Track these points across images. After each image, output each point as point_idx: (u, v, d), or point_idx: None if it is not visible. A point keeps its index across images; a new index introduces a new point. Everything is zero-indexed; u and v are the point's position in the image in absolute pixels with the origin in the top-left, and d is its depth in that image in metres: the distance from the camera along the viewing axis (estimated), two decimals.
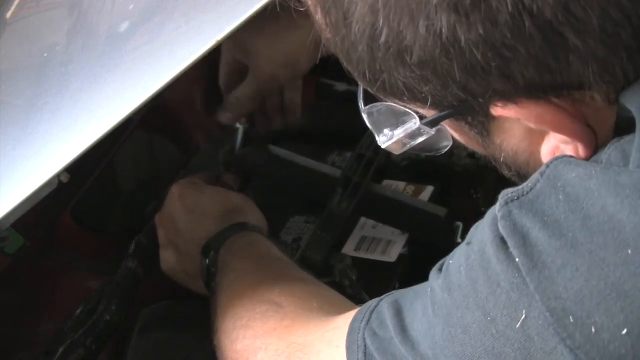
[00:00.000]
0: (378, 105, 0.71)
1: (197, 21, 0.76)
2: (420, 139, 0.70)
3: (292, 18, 1.09)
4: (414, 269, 1.10)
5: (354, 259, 1.08)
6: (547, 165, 0.61)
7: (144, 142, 1.27)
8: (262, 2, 0.71)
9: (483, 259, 0.62)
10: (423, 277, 1.10)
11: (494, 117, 0.64)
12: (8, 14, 0.99)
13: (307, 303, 0.88)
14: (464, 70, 0.59)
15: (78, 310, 1.01)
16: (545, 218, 0.59)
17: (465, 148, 1.26)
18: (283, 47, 1.15)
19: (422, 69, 0.60)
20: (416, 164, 1.26)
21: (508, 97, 0.61)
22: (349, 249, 1.11)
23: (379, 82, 0.65)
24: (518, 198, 0.61)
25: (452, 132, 0.72)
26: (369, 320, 0.73)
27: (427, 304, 0.67)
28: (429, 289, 0.68)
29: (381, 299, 0.75)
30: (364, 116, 0.72)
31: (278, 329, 0.85)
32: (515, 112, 0.62)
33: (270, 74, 1.17)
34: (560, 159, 0.61)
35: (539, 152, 0.66)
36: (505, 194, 0.62)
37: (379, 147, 1.16)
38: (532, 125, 0.64)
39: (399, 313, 0.71)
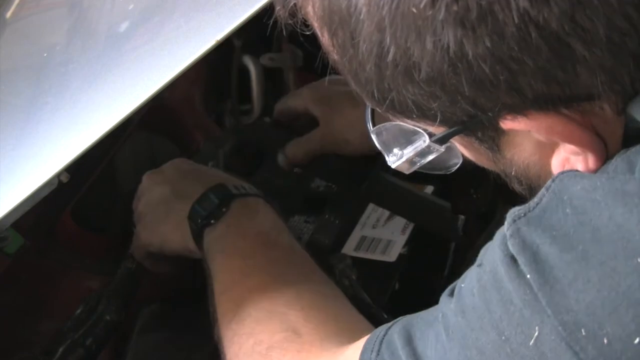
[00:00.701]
0: (387, 125, 0.71)
1: (197, 21, 0.76)
2: (430, 157, 0.70)
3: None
4: (414, 269, 1.10)
5: (354, 259, 1.07)
6: (553, 180, 0.61)
7: (144, 142, 1.27)
8: (262, 2, 0.71)
9: (495, 279, 0.62)
10: (423, 277, 1.11)
11: (504, 132, 0.64)
12: (8, 14, 0.99)
13: (325, 327, 0.86)
14: (473, 85, 0.59)
15: (78, 310, 1.01)
16: (555, 232, 0.59)
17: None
18: (349, 132, 1.16)
19: (430, 85, 0.61)
20: None
21: (517, 110, 0.61)
22: (349, 249, 1.11)
23: (387, 101, 0.64)
24: (525, 215, 0.61)
25: (461, 149, 0.72)
26: (379, 351, 0.72)
27: (440, 330, 0.67)
28: (440, 315, 0.68)
29: (389, 327, 0.74)
30: (373, 137, 0.72)
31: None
32: (525, 124, 0.62)
33: (344, 140, 1.18)
34: (565, 173, 0.61)
35: (549, 165, 0.66)
36: (513, 212, 0.62)
37: None
38: (542, 138, 0.63)
39: (410, 342, 0.70)
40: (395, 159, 0.71)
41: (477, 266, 0.66)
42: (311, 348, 0.84)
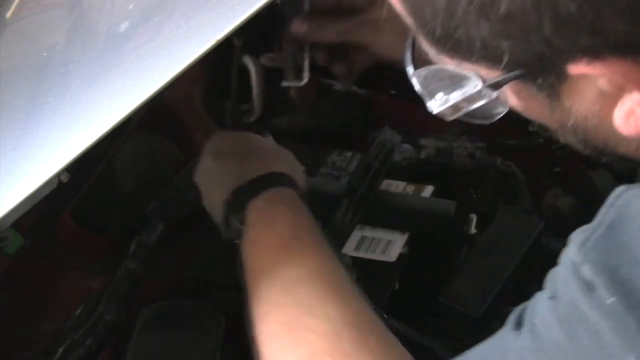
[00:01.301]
0: (432, 68, 0.67)
1: (197, 21, 0.76)
2: (478, 104, 0.67)
3: None
4: (414, 269, 1.10)
5: (354, 259, 1.07)
6: (616, 197, 0.59)
7: (144, 142, 1.27)
8: (262, 2, 0.71)
9: (575, 310, 0.59)
10: (423, 277, 1.11)
11: (567, 78, 0.61)
12: (8, 14, 0.99)
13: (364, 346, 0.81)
14: (554, 24, 0.56)
15: (78, 310, 1.02)
16: (631, 252, 0.56)
17: (465, 148, 1.26)
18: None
19: (507, 22, 0.57)
20: (416, 164, 1.27)
21: (594, 54, 0.58)
22: (349, 249, 1.11)
23: (451, 40, 0.61)
24: (591, 237, 0.59)
25: (512, 98, 0.68)
26: None
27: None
28: (510, 353, 0.65)
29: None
30: (414, 80, 0.69)
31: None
32: (599, 69, 0.59)
33: (377, 31, 1.08)
34: (627, 190, 0.59)
35: (609, 118, 0.62)
36: (577, 236, 0.60)
37: (387, 157, 1.16)
38: (608, 87, 0.61)
39: None
40: (439, 104, 0.68)
41: (549, 299, 0.64)
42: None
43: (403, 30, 1.03)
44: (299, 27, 1.10)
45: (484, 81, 0.65)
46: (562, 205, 1.19)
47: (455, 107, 0.68)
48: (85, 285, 1.11)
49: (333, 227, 1.11)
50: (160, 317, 1.06)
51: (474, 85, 0.65)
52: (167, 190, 1.21)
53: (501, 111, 0.71)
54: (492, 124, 1.35)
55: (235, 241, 0.95)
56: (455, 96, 0.67)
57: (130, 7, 0.84)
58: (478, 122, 0.72)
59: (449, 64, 0.66)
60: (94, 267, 1.14)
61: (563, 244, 1.14)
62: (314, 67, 1.40)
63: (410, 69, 0.70)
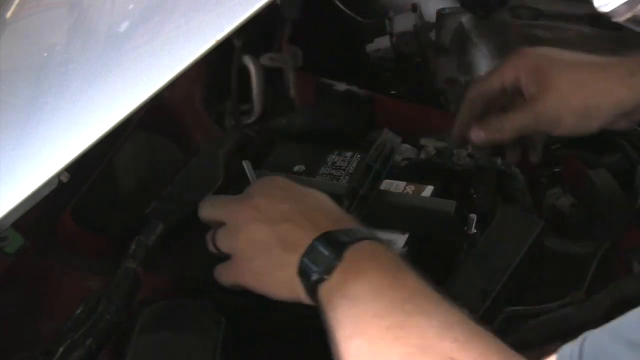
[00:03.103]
0: None
1: (197, 21, 0.76)
2: None
3: (603, 65, 1.00)
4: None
5: None
6: None
7: (144, 142, 1.27)
8: (262, 2, 0.71)
9: None
10: (423, 276, 1.11)
11: None
12: (8, 14, 0.99)
13: (488, 352, 0.76)
14: None
15: (78, 310, 1.01)
16: None
17: (465, 148, 1.26)
18: (585, 94, 1.00)
19: None
20: (416, 164, 1.27)
21: None
22: None
23: None
24: None
25: None
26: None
27: None
28: None
29: (582, 342, 0.66)
30: None
31: None
32: None
33: (554, 118, 1.02)
34: None
35: None
36: None
37: (387, 159, 1.16)
38: None
39: (632, 343, 0.63)
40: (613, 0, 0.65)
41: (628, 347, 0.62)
42: None
43: (584, 106, 0.99)
44: (477, 136, 1.06)
45: None
46: (562, 205, 1.19)
47: (632, 1, 0.64)
48: (85, 285, 1.11)
49: None
50: (160, 317, 1.06)
51: None
52: (167, 190, 1.21)
53: None
54: None
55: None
56: None
57: (130, 7, 0.84)
58: None
59: None
60: (94, 267, 1.14)
61: (563, 244, 1.15)
62: (313, 67, 1.40)
63: None
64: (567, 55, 1.05)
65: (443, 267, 1.12)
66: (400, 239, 1.12)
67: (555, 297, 1.05)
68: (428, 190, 1.21)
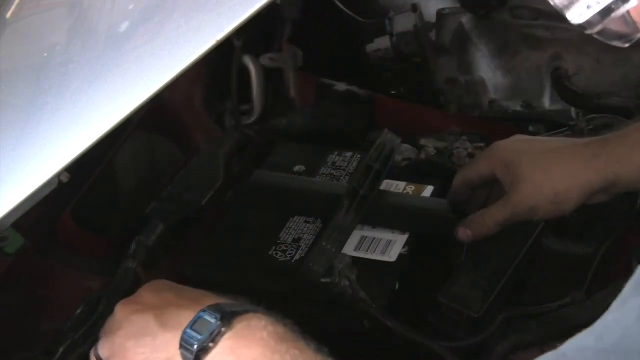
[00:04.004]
0: None
1: (197, 21, 0.76)
2: (631, 3, 0.65)
3: (568, 150, 1.05)
4: (414, 269, 1.10)
5: (354, 258, 1.07)
6: None
7: (144, 142, 1.27)
8: (262, 2, 0.71)
9: None
10: (423, 277, 1.11)
11: None
12: (8, 14, 0.99)
13: None
14: None
15: (78, 310, 1.01)
16: None
17: (465, 148, 1.27)
18: (554, 181, 1.05)
19: None
20: (416, 164, 1.27)
21: None
22: (349, 249, 1.11)
23: None
24: None
25: None
26: None
27: None
28: None
29: None
30: None
31: None
32: None
33: (531, 207, 1.07)
34: None
35: None
36: None
37: (387, 159, 1.16)
38: None
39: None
40: (586, 10, 0.66)
41: None
42: None
43: (554, 192, 1.04)
44: (464, 235, 1.09)
45: None
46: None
47: (605, 11, 0.66)
48: (85, 285, 1.11)
49: (334, 228, 1.11)
50: None
51: None
52: (167, 190, 1.21)
53: (637, 30, 0.69)
54: (491, 123, 1.35)
55: None
56: None
57: (130, 7, 0.84)
58: (614, 43, 0.70)
59: None
60: (94, 267, 1.14)
61: (563, 244, 1.15)
62: (313, 67, 1.40)
63: None
64: (536, 144, 1.11)
65: (443, 267, 1.12)
66: (400, 239, 1.12)
67: (555, 297, 1.05)
68: (428, 190, 1.21)
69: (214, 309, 0.86)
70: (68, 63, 0.87)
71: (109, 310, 1.00)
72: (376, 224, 1.14)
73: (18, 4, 1.00)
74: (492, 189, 1.14)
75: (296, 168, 1.27)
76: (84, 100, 0.81)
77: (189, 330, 0.85)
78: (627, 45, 0.70)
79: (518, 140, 1.13)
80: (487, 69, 1.47)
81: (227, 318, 0.85)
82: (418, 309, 1.06)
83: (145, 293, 0.94)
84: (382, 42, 1.47)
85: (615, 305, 0.67)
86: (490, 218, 1.08)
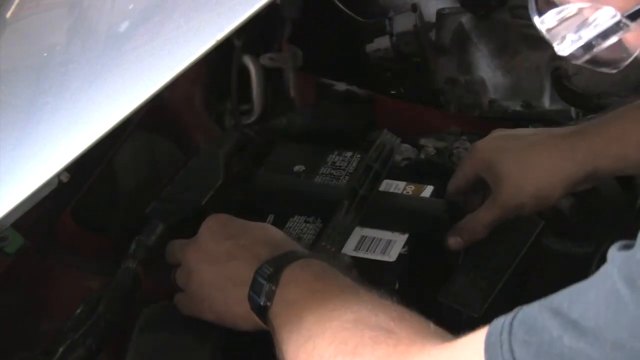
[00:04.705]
0: (561, 8, 0.67)
1: (197, 21, 0.76)
2: (612, 40, 0.66)
3: (547, 144, 1.06)
4: (414, 269, 1.10)
5: (354, 258, 1.07)
6: None
7: (144, 142, 1.27)
8: (262, 2, 0.71)
9: None
10: (423, 277, 1.11)
11: None
12: (8, 14, 0.99)
13: (421, 326, 0.82)
14: None
15: (78, 310, 1.01)
16: None
17: (465, 148, 1.26)
18: (535, 177, 1.06)
19: None
20: (416, 164, 1.27)
21: None
22: (349, 249, 1.11)
23: None
24: None
25: None
26: (510, 331, 0.69)
27: (616, 286, 0.65)
28: (615, 271, 0.66)
29: (515, 313, 0.70)
30: (541, 27, 0.68)
31: (392, 356, 0.78)
32: None
33: (516, 205, 1.08)
34: None
35: None
36: None
37: (387, 159, 1.16)
38: None
39: (558, 312, 0.68)
40: (569, 45, 0.67)
41: None
42: (411, 342, 0.79)
43: (537, 188, 1.06)
44: (455, 243, 1.11)
45: (621, 12, 0.64)
46: (562, 205, 1.19)
47: (586, 47, 0.67)
48: (85, 285, 1.11)
49: (334, 228, 1.11)
50: (160, 317, 1.06)
51: (611, 16, 0.65)
52: (167, 190, 1.21)
53: (629, 55, 0.69)
54: (491, 123, 1.36)
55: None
56: (589, 33, 0.66)
57: (130, 7, 0.84)
58: (604, 69, 0.71)
59: (580, 0, 0.65)
60: (94, 267, 1.14)
61: (563, 244, 1.15)
62: (313, 67, 1.40)
63: (535, 15, 0.69)
64: (514, 141, 1.11)
65: (443, 267, 1.12)
66: (400, 239, 1.12)
67: None
68: (428, 190, 1.21)
69: (264, 269, 0.93)
70: (68, 63, 0.87)
71: (109, 310, 1.01)
72: (376, 224, 1.14)
73: (18, 4, 1.00)
74: (486, 190, 1.13)
75: (296, 168, 1.27)
76: (84, 100, 0.81)
77: (251, 293, 0.93)
78: (614, 71, 0.71)
79: (497, 138, 1.13)
80: (487, 69, 1.47)
81: (274, 276, 0.92)
82: (418, 309, 1.06)
83: (205, 240, 1.01)
84: (382, 42, 1.47)
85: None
86: (479, 222, 1.09)
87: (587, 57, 0.68)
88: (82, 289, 1.10)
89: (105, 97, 0.79)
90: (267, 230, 1.03)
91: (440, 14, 1.48)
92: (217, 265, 0.99)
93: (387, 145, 1.18)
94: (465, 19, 1.46)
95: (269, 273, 0.93)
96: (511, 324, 0.70)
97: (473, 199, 1.15)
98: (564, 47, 0.68)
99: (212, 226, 1.03)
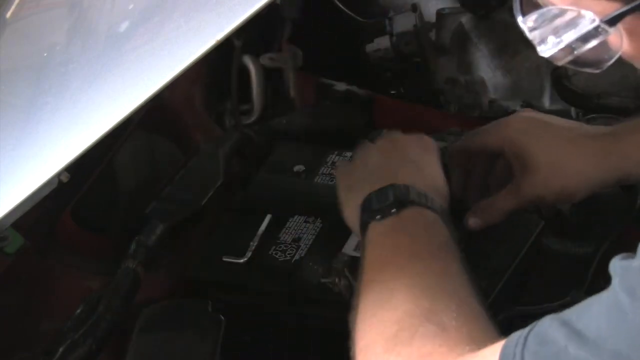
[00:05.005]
0: (542, 10, 0.68)
1: (197, 21, 0.76)
2: (592, 43, 0.67)
3: (581, 146, 1.06)
4: None
5: (354, 258, 1.07)
6: None
7: (144, 142, 1.27)
8: (262, 2, 0.71)
9: None
10: None
11: None
12: (8, 14, 0.99)
13: (473, 328, 0.83)
14: None
15: (78, 310, 1.02)
16: None
17: None
18: (565, 177, 1.05)
19: None
20: None
21: None
22: (349, 248, 1.11)
23: None
24: None
25: (627, 38, 0.68)
26: (524, 344, 0.71)
27: (618, 298, 0.66)
28: (617, 283, 0.67)
29: (532, 327, 0.72)
30: (524, 27, 0.70)
31: (433, 355, 0.81)
32: None
33: (538, 197, 1.07)
34: None
35: None
36: None
37: None
38: None
39: (566, 323, 0.69)
40: (551, 47, 0.69)
41: None
42: (450, 349, 0.81)
43: (562, 187, 1.05)
44: (474, 224, 1.09)
45: (600, 17, 0.65)
46: (562, 206, 1.19)
47: (567, 49, 0.68)
48: (85, 285, 1.11)
49: (332, 228, 1.11)
50: (160, 317, 1.06)
51: (590, 21, 0.65)
52: (167, 190, 1.21)
53: (611, 56, 0.70)
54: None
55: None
56: (569, 36, 0.67)
57: (130, 7, 0.84)
58: (587, 70, 0.72)
59: (562, 2, 0.66)
60: (94, 267, 1.14)
61: (563, 244, 1.15)
62: (313, 67, 1.40)
63: (519, 16, 0.70)
64: (549, 131, 1.09)
65: None
66: None
67: (556, 297, 1.05)
68: None
69: (399, 190, 0.96)
70: (68, 63, 0.87)
71: (109, 310, 1.01)
72: None
73: (18, 4, 1.00)
74: (495, 164, 1.12)
75: (296, 168, 1.27)
76: (84, 100, 0.81)
77: (372, 196, 0.97)
78: (597, 72, 0.72)
79: (531, 122, 1.10)
80: (487, 69, 1.47)
81: (401, 204, 0.95)
82: None
83: (387, 139, 1.07)
84: (382, 42, 1.47)
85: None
86: (500, 206, 1.08)
87: (569, 58, 0.69)
88: (82, 289, 1.10)
89: (105, 97, 0.80)
90: (431, 165, 1.06)
91: (440, 14, 1.48)
92: (383, 154, 1.04)
93: None
94: (465, 19, 1.46)
95: (400, 197, 0.95)
96: (526, 337, 0.71)
97: (478, 168, 1.13)
98: (545, 49, 0.69)
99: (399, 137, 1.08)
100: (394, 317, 0.85)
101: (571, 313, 0.70)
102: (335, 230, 1.11)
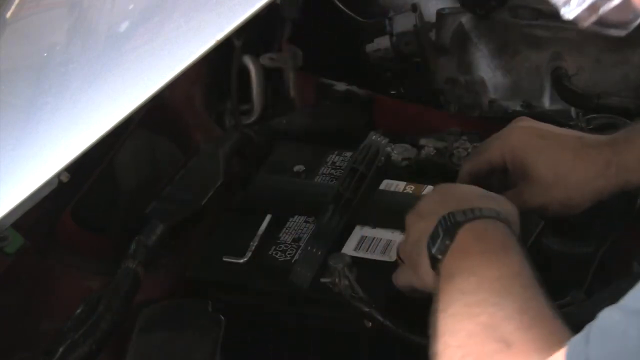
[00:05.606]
0: None
1: (197, 21, 0.76)
2: (616, 1, 0.66)
3: (582, 156, 1.06)
4: None
5: (354, 258, 1.07)
6: None
7: (144, 141, 1.27)
8: (262, 2, 0.71)
9: None
10: None
11: None
12: (8, 14, 0.99)
13: (540, 342, 0.81)
14: None
15: (78, 310, 1.01)
16: None
17: (465, 148, 1.26)
18: (568, 187, 1.06)
19: None
20: (416, 164, 1.27)
21: None
22: (349, 249, 1.11)
23: None
24: None
25: None
26: (587, 341, 0.70)
27: None
28: None
29: (592, 323, 0.71)
30: None
31: None
32: None
33: (541, 206, 1.08)
34: None
35: None
36: None
37: (372, 162, 1.16)
38: None
39: (621, 308, 0.69)
40: (574, 7, 0.67)
41: None
42: None
43: (566, 197, 1.06)
44: None
45: None
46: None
47: (592, 8, 0.67)
48: (85, 285, 1.11)
49: (319, 231, 1.11)
50: (160, 317, 1.06)
51: None
52: (167, 190, 1.21)
53: (636, 17, 0.69)
54: (491, 123, 1.35)
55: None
56: None
57: (130, 7, 0.84)
58: (613, 32, 0.70)
59: None
60: (94, 267, 1.14)
61: (563, 244, 1.15)
62: (313, 67, 1.40)
63: None
64: (550, 142, 1.09)
65: None
66: (400, 239, 1.11)
67: (555, 297, 1.05)
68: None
69: (445, 220, 0.94)
70: (68, 63, 0.87)
71: (109, 310, 1.01)
72: (376, 224, 1.14)
73: (18, 4, 1.00)
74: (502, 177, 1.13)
75: (296, 168, 1.27)
76: (84, 100, 0.81)
77: (429, 241, 0.94)
78: (624, 33, 0.70)
79: (531, 134, 1.11)
80: (487, 69, 1.47)
81: (452, 230, 0.93)
82: (418, 309, 1.06)
83: (421, 203, 1.02)
84: (382, 42, 1.47)
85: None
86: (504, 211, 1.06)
87: (593, 19, 0.68)
88: (82, 289, 1.10)
89: (105, 97, 0.79)
90: (467, 187, 1.05)
91: (440, 14, 1.48)
92: (423, 221, 0.99)
93: (373, 147, 1.17)
94: (465, 19, 1.46)
95: (448, 225, 0.93)
96: (588, 334, 0.70)
97: (488, 183, 1.13)
98: (569, 10, 0.68)
99: (431, 192, 1.06)
100: (458, 343, 0.84)
101: (625, 299, 0.70)
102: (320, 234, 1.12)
